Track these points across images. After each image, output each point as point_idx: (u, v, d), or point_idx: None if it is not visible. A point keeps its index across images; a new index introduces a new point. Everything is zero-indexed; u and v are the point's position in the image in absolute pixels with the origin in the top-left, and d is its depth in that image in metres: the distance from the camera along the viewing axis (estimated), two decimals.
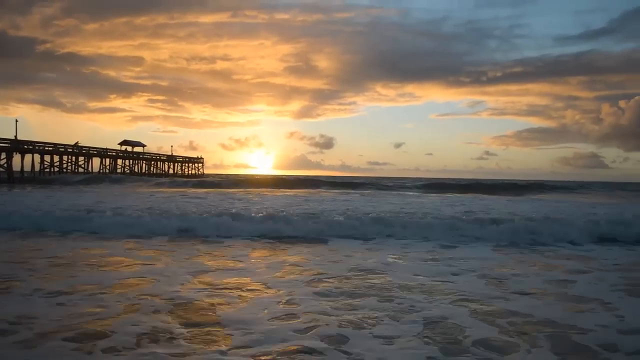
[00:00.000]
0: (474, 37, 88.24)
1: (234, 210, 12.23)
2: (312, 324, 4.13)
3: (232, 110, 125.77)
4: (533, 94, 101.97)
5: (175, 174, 65.80)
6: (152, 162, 63.70)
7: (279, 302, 4.85)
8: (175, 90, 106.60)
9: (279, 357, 3.42)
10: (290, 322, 4.21)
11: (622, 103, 71.70)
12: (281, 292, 5.27)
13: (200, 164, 73.34)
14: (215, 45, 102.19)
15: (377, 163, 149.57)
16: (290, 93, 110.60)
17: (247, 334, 3.86)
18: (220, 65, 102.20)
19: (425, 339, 3.85)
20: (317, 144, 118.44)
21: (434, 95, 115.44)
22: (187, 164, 70.95)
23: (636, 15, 78.96)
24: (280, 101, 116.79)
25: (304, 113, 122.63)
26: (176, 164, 68.62)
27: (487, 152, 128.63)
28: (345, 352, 3.53)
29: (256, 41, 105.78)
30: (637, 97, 67.45)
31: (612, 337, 4.00)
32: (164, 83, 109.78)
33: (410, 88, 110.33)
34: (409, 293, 5.32)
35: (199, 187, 33.11)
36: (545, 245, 9.11)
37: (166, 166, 66.43)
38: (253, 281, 5.77)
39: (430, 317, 4.45)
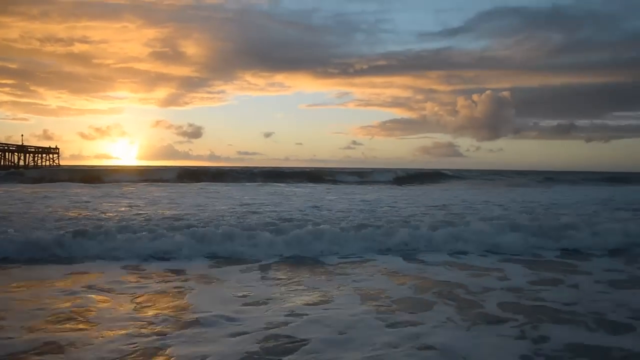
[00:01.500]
0: (342, 29, 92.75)
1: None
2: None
3: (92, 97, 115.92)
4: (396, 86, 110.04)
5: (26, 166, 59.52)
6: None
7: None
8: (26, 73, 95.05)
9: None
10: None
11: (475, 97, 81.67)
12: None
13: (55, 155, 67.17)
14: (73, 26, 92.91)
15: (247, 153, 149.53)
16: (156, 80, 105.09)
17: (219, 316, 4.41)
18: (78, 47, 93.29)
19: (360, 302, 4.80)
20: (184, 134, 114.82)
21: (303, 86, 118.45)
22: (40, 155, 64.56)
23: (489, 15, 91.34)
24: (145, 88, 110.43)
25: (170, 101, 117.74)
26: (28, 155, 62.07)
27: (354, 142, 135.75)
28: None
29: (119, 24, 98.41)
30: (488, 92, 77.56)
31: (494, 292, 5.30)
32: (13, 65, 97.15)
33: (280, 78, 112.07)
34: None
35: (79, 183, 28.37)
36: None
37: (16, 157, 59.82)
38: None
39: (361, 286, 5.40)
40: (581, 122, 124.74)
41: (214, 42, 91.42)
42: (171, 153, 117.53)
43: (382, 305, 4.77)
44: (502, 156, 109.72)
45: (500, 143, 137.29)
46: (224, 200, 15.69)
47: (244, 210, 11.97)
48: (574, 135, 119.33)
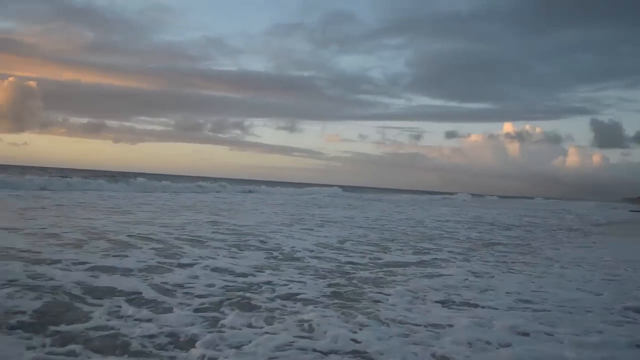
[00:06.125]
0: None
1: None
2: None
3: None
4: None
5: None
6: None
7: None
8: None
9: None
10: None
11: None
12: None
13: None
14: None
15: None
16: None
17: None
18: None
19: None
20: None
21: None
22: None
23: None
24: None
25: None
26: None
27: None
28: None
29: None
30: (11, 78, 72.45)
31: None
32: None
33: None
34: None
35: None
36: None
37: None
38: None
39: None
40: (111, 122, 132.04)
41: None
42: None
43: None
44: (27, 151, 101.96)
45: (25, 136, 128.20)
46: None
47: None
48: (103, 135, 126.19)
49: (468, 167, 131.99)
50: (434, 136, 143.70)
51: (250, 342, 3.84)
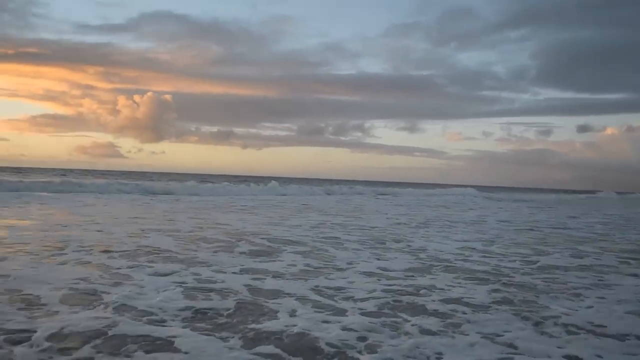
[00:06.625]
0: None
1: None
2: None
3: None
4: (49, 78, 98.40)
5: None
6: None
7: None
8: None
9: None
10: None
11: (136, 97, 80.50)
12: None
13: None
14: None
15: None
16: None
17: None
18: None
19: None
20: None
21: None
22: None
23: (152, 18, 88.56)
24: None
25: None
26: None
27: None
28: None
29: None
30: (149, 93, 77.42)
31: None
32: None
33: None
34: None
35: None
36: None
37: None
38: None
39: None
40: (238, 129, 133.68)
41: None
42: None
43: None
44: (165, 158, 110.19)
45: (162, 146, 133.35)
46: None
47: None
48: (232, 142, 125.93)
49: (605, 163, 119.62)
50: (564, 131, 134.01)
51: (448, 350, 3.52)
